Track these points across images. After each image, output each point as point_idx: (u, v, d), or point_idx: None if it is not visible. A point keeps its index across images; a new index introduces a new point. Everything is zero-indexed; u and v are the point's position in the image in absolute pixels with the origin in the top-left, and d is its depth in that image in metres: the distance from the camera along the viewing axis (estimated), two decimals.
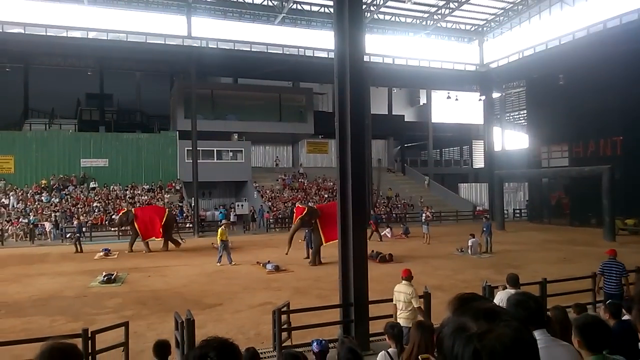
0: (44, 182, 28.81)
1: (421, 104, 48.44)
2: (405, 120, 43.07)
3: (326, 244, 16.30)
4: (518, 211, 35.53)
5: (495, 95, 37.15)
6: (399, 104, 44.73)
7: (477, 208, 34.95)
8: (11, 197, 27.04)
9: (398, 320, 7.02)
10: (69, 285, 13.31)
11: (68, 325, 9.28)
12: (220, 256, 16.61)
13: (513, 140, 42.17)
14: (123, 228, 22.86)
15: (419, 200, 33.68)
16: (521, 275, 7.19)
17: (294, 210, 19.15)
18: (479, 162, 45.37)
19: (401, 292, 7.13)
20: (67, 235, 22.79)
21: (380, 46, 31.62)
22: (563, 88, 29.17)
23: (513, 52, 32.73)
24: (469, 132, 44.81)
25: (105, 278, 13.53)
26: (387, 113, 40.14)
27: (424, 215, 22.46)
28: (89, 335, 6.51)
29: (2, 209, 26.12)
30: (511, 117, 45.02)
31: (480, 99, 35.90)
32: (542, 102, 31.56)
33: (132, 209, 21.82)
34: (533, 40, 31.38)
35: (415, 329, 3.81)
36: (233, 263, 16.41)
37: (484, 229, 18.92)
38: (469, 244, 17.89)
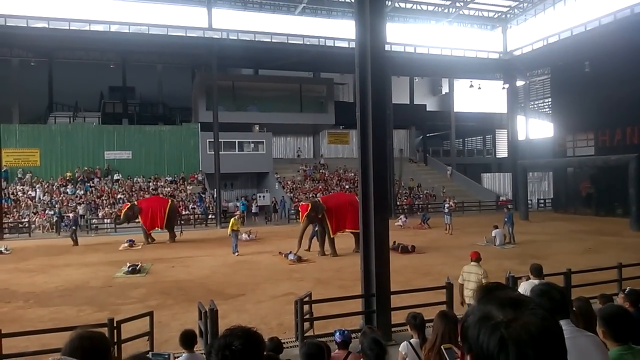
0: (69, 174, 29.39)
1: (443, 93, 47.82)
2: (427, 109, 42.57)
3: (334, 235, 16.16)
4: (542, 201, 34.91)
5: (519, 83, 36.41)
6: (420, 93, 44.22)
7: (500, 198, 34.44)
8: (37, 190, 27.68)
9: (467, 300, 7.33)
10: (94, 276, 13.58)
11: (94, 315, 9.46)
12: (235, 245, 16.75)
13: (537, 129, 41.36)
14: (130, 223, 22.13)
15: (441, 191, 33.34)
16: (545, 266, 7.05)
17: (299, 208, 18.78)
18: (502, 151, 44.64)
19: (472, 272, 7.59)
20: (62, 228, 22.78)
21: (402, 35, 31.23)
22: (589, 75, 28.40)
23: (537, 39, 31.97)
24: (492, 121, 44.04)
25: (129, 269, 13.77)
26: (408, 102, 39.73)
27: (446, 205, 22.20)
28: (115, 325, 6.62)
29: (29, 201, 26.76)
30: (535, 106, 44.11)
31: (503, 88, 35.24)
32: (568, 90, 30.82)
33: (136, 202, 21.74)
34: (558, 26, 30.59)
35: (439, 318, 3.76)
36: (237, 254, 16.46)
37: (506, 219, 18.62)
38: (493, 234, 17.64)
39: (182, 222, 24.10)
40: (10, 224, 24.50)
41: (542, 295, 2.26)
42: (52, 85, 34.28)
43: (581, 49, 28.16)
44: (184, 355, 4.86)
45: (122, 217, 21.11)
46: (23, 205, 26.32)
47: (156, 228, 20.50)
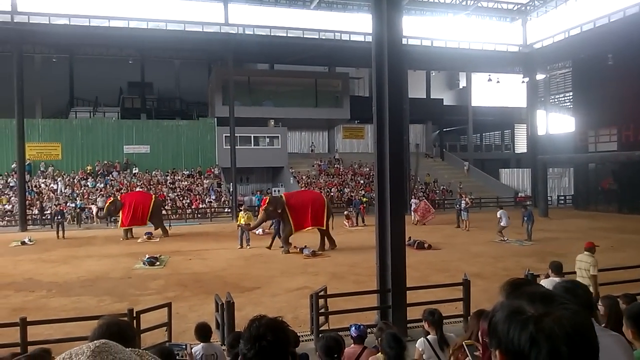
0: (89, 168, 29.90)
1: (461, 87, 47.31)
2: (444, 104, 42.10)
3: (296, 232, 15.91)
4: (562, 198, 34.40)
5: (539, 77, 35.73)
6: (437, 87, 43.81)
7: (519, 194, 34.04)
8: (59, 183, 28.22)
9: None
10: (114, 267, 13.83)
11: (114, 306, 9.65)
12: (248, 239, 16.89)
13: (558, 123, 40.70)
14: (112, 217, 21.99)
15: (458, 187, 33.07)
16: (565, 264, 6.97)
17: (261, 202, 18.57)
18: (521, 146, 44.06)
19: (582, 261, 7.62)
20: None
21: (418, 28, 30.86)
22: (612, 68, 27.79)
23: (558, 32, 31.34)
24: (511, 116, 43.48)
25: (148, 260, 13.99)
26: (425, 97, 39.41)
27: (463, 202, 22.00)
28: (134, 315, 6.74)
29: (51, 194, 27.29)
30: (556, 100, 43.42)
31: (523, 81, 34.72)
32: (590, 83, 30.23)
33: (119, 197, 21.60)
34: (580, 18, 29.92)
35: (475, 317, 3.72)
36: (240, 247, 16.64)
37: (525, 217, 18.33)
38: (498, 215, 17.59)
39: (198, 215, 24.17)
40: (33, 216, 25.03)
41: (566, 292, 2.17)
42: (73, 81, 34.89)
43: (604, 41, 27.56)
44: (200, 344, 4.94)
45: (104, 211, 21.10)
46: (45, 198, 26.85)
47: (136, 225, 19.97)
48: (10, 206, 25.83)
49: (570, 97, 38.10)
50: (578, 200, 31.89)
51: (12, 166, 27.82)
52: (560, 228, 21.32)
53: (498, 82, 39.79)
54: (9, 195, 26.70)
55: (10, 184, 27.34)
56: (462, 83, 46.59)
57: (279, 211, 15.81)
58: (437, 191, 33.61)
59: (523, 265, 11.62)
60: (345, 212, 23.92)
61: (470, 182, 35.48)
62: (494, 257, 14.65)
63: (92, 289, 11.25)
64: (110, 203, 20.86)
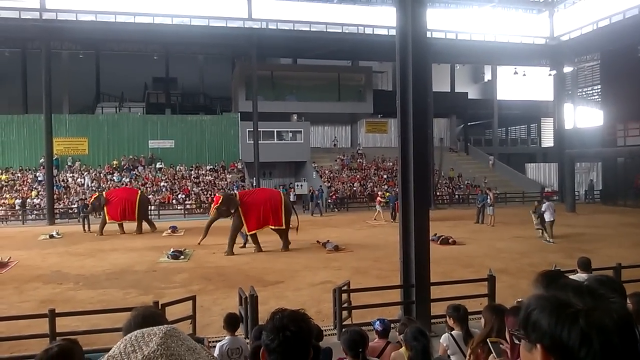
0: (115, 162, 30.46)
1: (486, 80, 46.54)
2: (469, 97, 41.52)
3: (249, 233, 15.31)
4: (590, 193, 33.55)
5: (567, 69, 34.87)
6: (462, 80, 43.20)
7: (545, 189, 33.34)
8: (86, 177, 28.81)
9: None
10: (139, 260, 14.06)
11: (139, 298, 9.80)
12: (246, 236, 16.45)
13: (585, 117, 39.66)
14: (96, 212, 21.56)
15: (483, 181, 32.60)
16: (593, 260, 6.79)
17: (214, 199, 17.90)
18: (547, 140, 43.13)
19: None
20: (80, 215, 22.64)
21: (443, 21, 30.41)
22: None
23: (587, 23, 30.47)
24: (537, 110, 42.60)
25: (172, 254, 14.17)
26: (449, 90, 38.91)
27: (488, 198, 21.65)
28: (159, 308, 6.83)
29: (78, 188, 27.89)
30: (584, 93, 42.31)
31: (550, 74, 33.95)
32: (619, 76, 29.39)
33: (104, 193, 21.49)
34: (609, 9, 28.98)
35: (490, 312, 3.65)
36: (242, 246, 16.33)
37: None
38: (543, 209, 16.46)
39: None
40: (61, 210, 25.63)
41: (601, 286, 2.14)
42: (99, 76, 35.54)
43: (634, 33, 26.67)
44: (227, 338, 4.98)
45: (89, 208, 21.10)
46: (73, 192, 27.46)
47: (120, 220, 19.98)
48: (39, 200, 26.49)
49: (599, 90, 37.09)
50: (606, 195, 31.11)
51: (40, 161, 28.53)
52: (587, 223, 20.82)
53: (524, 75, 38.98)
54: (37, 189, 27.38)
55: (39, 179, 28.03)
56: (487, 76, 45.83)
57: (232, 210, 15.23)
58: (462, 186, 33.20)
59: (549, 261, 11.37)
60: (379, 208, 23.44)
61: (496, 176, 34.93)
62: (520, 252, 14.40)
63: (118, 282, 11.46)
64: (95, 198, 20.71)
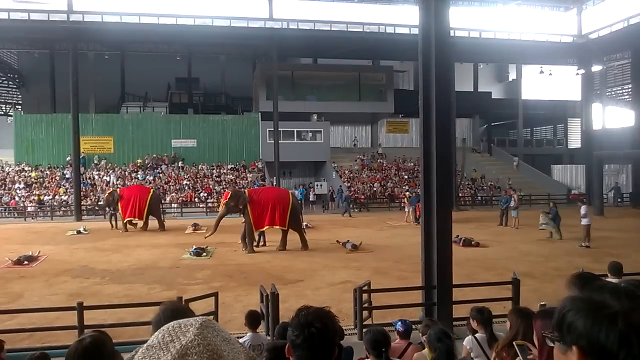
0: (139, 161, 30.99)
1: (510, 79, 45.80)
2: (493, 97, 40.94)
3: (256, 230, 15.20)
4: (619, 196, 32.71)
5: (595, 68, 34.06)
6: (485, 80, 42.63)
7: (572, 192, 32.68)
8: (111, 175, 29.37)
9: None
10: (163, 257, 14.29)
11: (163, 294, 9.96)
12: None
13: (615, 117, 38.72)
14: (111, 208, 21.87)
15: (507, 182, 32.11)
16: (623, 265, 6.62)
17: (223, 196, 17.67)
18: (574, 141, 42.21)
19: None
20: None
21: (466, 19, 30.03)
22: None
23: (617, 21, 29.75)
24: (563, 110, 41.71)
25: (195, 251, 14.35)
26: (472, 90, 38.44)
27: (512, 200, 21.31)
28: (183, 303, 6.92)
29: (104, 186, 28.44)
30: (613, 93, 41.33)
31: (577, 73, 33.21)
32: None
33: (118, 189, 21.87)
34: None
35: (516, 315, 3.60)
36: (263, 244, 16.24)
37: (550, 215, 17.52)
38: (583, 212, 15.81)
39: None
40: (87, 206, 26.16)
41: (638, 289, 2.09)
42: (124, 77, 36.20)
43: None
44: (248, 334, 5.02)
45: (103, 203, 21.38)
46: (99, 189, 28.02)
47: (133, 218, 20.21)
48: (67, 197, 27.10)
49: (629, 89, 36.16)
50: (637, 198, 30.27)
51: (67, 159, 29.20)
52: (616, 227, 20.31)
53: (550, 74, 38.34)
54: (65, 186, 28.02)
55: (66, 176, 28.69)
56: (512, 75, 45.10)
57: (241, 207, 15.24)
58: (484, 187, 32.78)
59: (576, 265, 11.15)
60: (407, 209, 23.20)
61: (520, 178, 34.37)
62: (545, 256, 14.14)
63: (143, 277, 11.67)
64: (108, 194, 21.26)
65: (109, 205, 21.15)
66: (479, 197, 31.33)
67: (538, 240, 17.02)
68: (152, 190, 21.93)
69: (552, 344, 1.07)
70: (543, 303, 5.30)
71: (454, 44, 22.99)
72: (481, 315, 4.34)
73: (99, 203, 22.02)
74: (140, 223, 20.53)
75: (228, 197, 15.48)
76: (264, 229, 15.38)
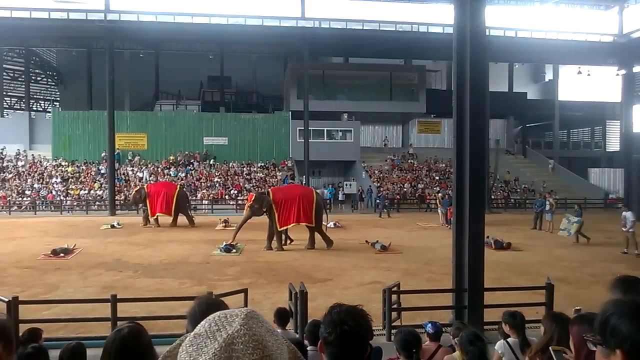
0: (171, 157, 31.58)
1: (547, 80, 44.70)
2: (528, 98, 40.01)
3: (281, 229, 15.08)
4: None
5: (637, 69, 32.90)
6: (520, 80, 41.69)
7: (610, 196, 31.65)
8: (144, 171, 30.03)
9: None
10: (193, 252, 14.52)
11: (194, 288, 10.11)
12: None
13: None
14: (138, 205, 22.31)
15: (542, 185, 31.34)
16: None
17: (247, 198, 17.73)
18: (613, 144, 40.88)
19: None
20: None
21: (502, 18, 29.43)
22: None
23: None
24: (602, 111, 40.41)
25: (225, 248, 14.53)
26: (507, 90, 37.65)
27: (547, 203, 20.78)
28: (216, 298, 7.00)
29: (137, 182, 29.09)
30: None
31: (617, 74, 32.14)
32: None
33: (145, 186, 22.07)
34: None
35: (551, 320, 3.51)
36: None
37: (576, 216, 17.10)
38: (631, 218, 15.01)
39: None
40: (121, 201, 26.84)
41: None
42: (158, 75, 36.97)
43: None
44: (277, 331, 5.04)
45: (131, 200, 21.73)
46: (132, 185, 28.67)
47: (161, 214, 20.41)
48: (101, 192, 27.85)
49: None
50: None
51: (103, 155, 30.00)
52: None
53: (589, 74, 37.18)
54: (100, 181, 28.81)
55: (101, 171, 29.48)
56: (549, 76, 44.01)
57: (265, 209, 15.29)
58: (518, 190, 32.09)
59: (612, 271, 10.78)
60: (440, 211, 22.83)
61: (556, 181, 33.50)
62: (580, 261, 13.74)
63: (174, 272, 11.87)
64: (136, 191, 21.62)
65: (137, 202, 21.56)
66: (512, 200, 30.68)
67: (573, 245, 16.55)
68: (178, 186, 22.25)
69: (593, 348, 1.03)
70: (578, 308, 5.13)
71: (489, 43, 22.58)
72: (514, 320, 4.26)
73: (127, 200, 22.51)
74: (169, 219, 20.80)
75: (252, 199, 15.61)
76: (290, 226, 15.39)
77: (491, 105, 28.62)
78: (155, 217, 20.61)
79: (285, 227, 15.29)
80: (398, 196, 28.99)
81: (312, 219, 15.24)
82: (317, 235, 15.50)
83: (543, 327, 3.48)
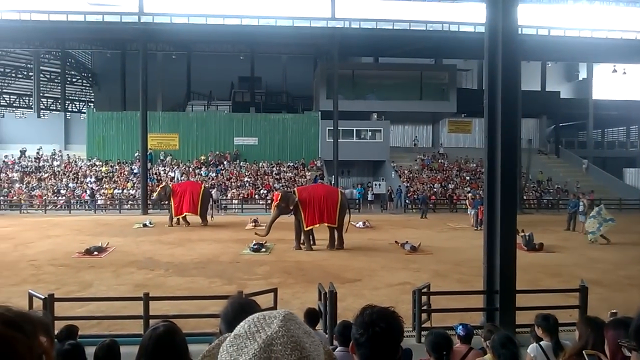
0: (202, 157, 32.09)
1: (580, 78, 43.53)
2: (561, 97, 39.00)
3: (307, 228, 15.15)
4: None
5: None
6: (553, 79, 40.70)
7: None
8: (176, 171, 30.60)
9: None
10: (224, 251, 14.72)
11: (224, 287, 10.26)
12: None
13: None
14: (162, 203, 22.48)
15: (575, 186, 30.54)
16: None
17: (273, 197, 17.70)
18: None
19: None
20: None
21: (534, 16, 28.78)
22: None
23: None
24: (638, 110, 39.14)
25: (254, 247, 14.68)
26: (539, 89, 36.82)
27: (581, 204, 20.24)
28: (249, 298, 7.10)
29: (169, 181, 29.64)
30: None
31: None
32: None
33: (170, 184, 22.40)
34: None
35: (586, 324, 3.45)
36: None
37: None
38: None
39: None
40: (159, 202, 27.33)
41: None
42: (190, 76, 37.59)
43: None
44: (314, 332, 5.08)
45: (155, 196, 21.99)
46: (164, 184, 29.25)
47: (186, 213, 20.62)
48: (134, 191, 28.51)
49: None
50: None
51: (135, 154, 30.70)
52: None
53: (624, 73, 36.08)
54: (132, 181, 29.50)
55: (134, 171, 30.18)
56: (582, 74, 42.86)
57: (291, 207, 15.35)
58: (551, 190, 31.35)
59: None
60: (470, 212, 22.41)
61: (589, 181, 32.57)
62: (615, 263, 13.34)
63: (204, 271, 12.07)
64: (161, 188, 21.90)
65: (161, 199, 21.84)
66: (545, 201, 30.00)
67: (607, 246, 16.09)
68: (203, 186, 22.53)
69: (629, 353, 1.03)
70: (614, 311, 5.02)
71: (521, 41, 22.14)
72: (547, 323, 4.19)
73: (152, 197, 23.00)
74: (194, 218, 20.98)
75: (278, 198, 15.68)
76: (316, 225, 15.51)
77: (523, 104, 28.03)
78: (181, 216, 20.88)
79: (311, 227, 15.42)
80: (433, 197, 28.70)
81: (335, 219, 15.32)
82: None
83: (578, 332, 3.42)
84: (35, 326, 0.94)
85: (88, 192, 27.97)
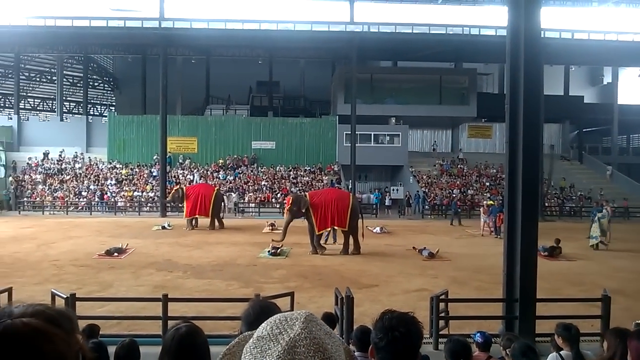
0: (221, 161, 32.36)
1: (605, 83, 42.76)
2: (585, 101, 38.36)
3: (319, 232, 15.24)
4: None
5: None
6: (577, 83, 40.05)
7: None
8: (195, 174, 30.88)
9: None
10: (241, 255, 14.77)
11: (241, 290, 10.29)
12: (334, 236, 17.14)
13: None
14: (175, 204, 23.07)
15: (599, 193, 29.91)
16: None
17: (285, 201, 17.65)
18: None
19: None
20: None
21: (558, 19, 28.37)
22: None
23: None
24: None
25: (272, 250, 14.70)
26: (562, 94, 36.25)
27: (605, 212, 19.78)
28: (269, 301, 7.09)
29: (188, 184, 29.92)
30: None
31: None
32: None
33: (184, 187, 22.56)
34: None
35: (614, 335, 3.33)
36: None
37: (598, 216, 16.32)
38: None
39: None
40: (172, 204, 27.64)
41: None
42: (209, 80, 37.97)
43: None
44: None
45: (169, 198, 22.20)
46: None
47: (198, 215, 20.72)
48: (153, 194, 28.85)
49: None
50: None
51: (155, 158, 31.08)
52: None
53: None
54: (152, 183, 29.85)
55: (153, 174, 30.55)
56: (607, 79, 42.08)
57: (304, 210, 15.35)
58: (574, 197, 30.77)
59: None
60: (484, 219, 22.26)
61: (614, 188, 31.89)
62: (638, 272, 12.98)
63: (222, 274, 12.11)
64: (174, 190, 22.18)
65: (174, 200, 22.14)
66: (567, 208, 29.46)
67: (631, 255, 15.69)
68: (216, 189, 22.63)
69: None
70: (639, 322, 4.86)
71: (544, 45, 21.84)
72: (568, 333, 4.09)
73: (165, 199, 23.35)
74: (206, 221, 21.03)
75: (290, 202, 15.72)
76: (328, 229, 15.66)
77: (546, 109, 27.66)
78: (191, 218, 20.97)
79: (322, 231, 15.52)
80: (459, 202, 28.21)
81: (345, 223, 15.27)
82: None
83: (607, 343, 3.33)
84: (73, 323, 0.98)
85: (98, 192, 28.43)
